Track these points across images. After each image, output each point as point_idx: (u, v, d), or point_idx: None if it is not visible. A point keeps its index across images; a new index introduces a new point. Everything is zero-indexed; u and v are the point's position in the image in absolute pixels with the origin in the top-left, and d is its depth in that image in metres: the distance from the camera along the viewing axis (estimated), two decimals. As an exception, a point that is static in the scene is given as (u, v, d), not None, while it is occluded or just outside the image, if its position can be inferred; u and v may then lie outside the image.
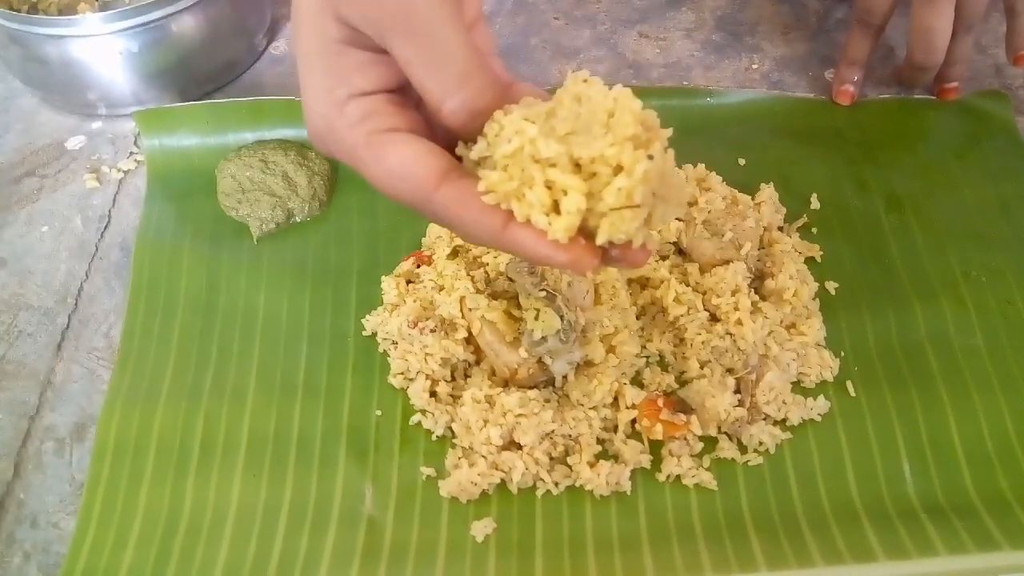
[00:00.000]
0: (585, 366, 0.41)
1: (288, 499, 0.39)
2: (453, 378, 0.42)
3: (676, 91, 0.55)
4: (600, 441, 0.40)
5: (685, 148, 0.50)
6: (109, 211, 0.51)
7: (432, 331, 0.41)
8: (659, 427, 0.39)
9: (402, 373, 0.42)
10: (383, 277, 0.44)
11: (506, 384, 0.40)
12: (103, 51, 0.53)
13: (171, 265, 0.47)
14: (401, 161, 0.28)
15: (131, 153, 0.54)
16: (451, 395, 0.41)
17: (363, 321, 0.44)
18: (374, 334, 0.44)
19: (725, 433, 0.40)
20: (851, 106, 0.54)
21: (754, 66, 0.58)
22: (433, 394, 0.41)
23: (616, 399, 0.41)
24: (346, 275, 0.47)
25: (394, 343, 0.43)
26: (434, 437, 0.40)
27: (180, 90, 0.56)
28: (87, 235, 0.50)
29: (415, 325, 0.41)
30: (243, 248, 0.48)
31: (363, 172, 0.30)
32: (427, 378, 0.41)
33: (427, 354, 0.41)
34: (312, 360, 0.43)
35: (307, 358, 0.43)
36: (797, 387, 0.42)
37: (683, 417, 0.40)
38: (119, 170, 0.53)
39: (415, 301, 0.42)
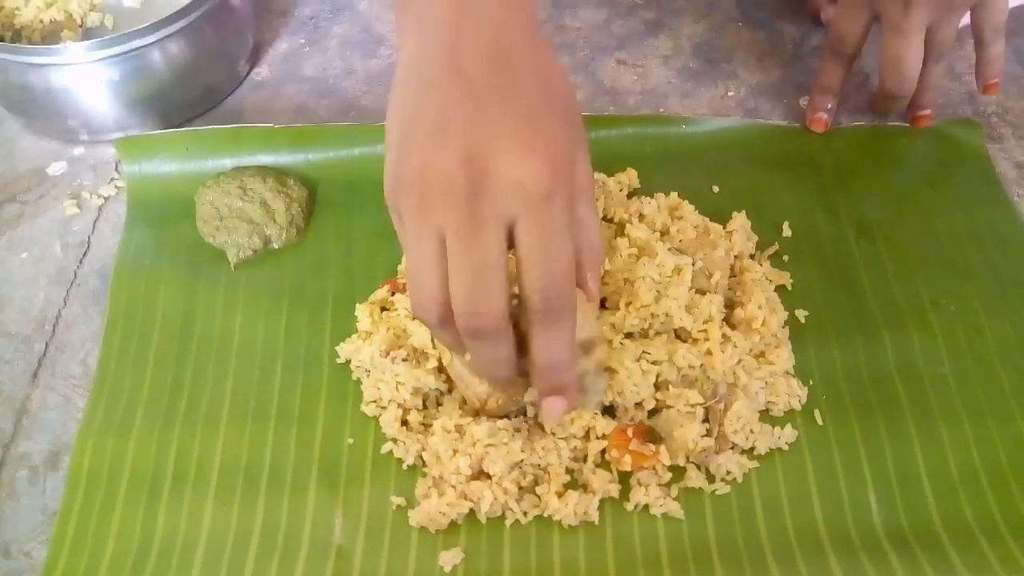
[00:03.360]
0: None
1: (258, 527, 0.39)
2: (425, 407, 0.42)
3: (652, 119, 0.56)
4: (569, 471, 0.40)
5: (661, 175, 0.52)
6: (88, 237, 0.52)
7: (404, 360, 0.41)
8: (628, 458, 0.40)
9: (375, 401, 0.42)
10: (357, 305, 0.45)
11: (477, 414, 0.41)
12: (85, 79, 0.53)
13: (148, 291, 0.48)
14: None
15: (112, 179, 0.55)
16: (423, 423, 0.42)
17: (337, 348, 0.45)
18: (348, 361, 0.44)
19: (693, 463, 0.41)
20: (824, 133, 0.55)
21: (730, 93, 0.59)
22: (405, 423, 0.42)
23: (587, 429, 0.41)
24: (322, 301, 0.47)
25: (367, 371, 0.43)
26: (405, 466, 0.41)
27: (162, 116, 0.57)
28: (66, 261, 0.50)
29: (387, 354, 0.42)
30: (220, 274, 0.48)
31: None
32: (399, 407, 0.41)
33: (399, 383, 0.41)
34: (286, 387, 0.44)
35: (281, 385, 0.44)
36: (765, 416, 0.42)
37: (652, 447, 0.40)
38: (99, 196, 0.54)
39: (388, 330, 0.43)
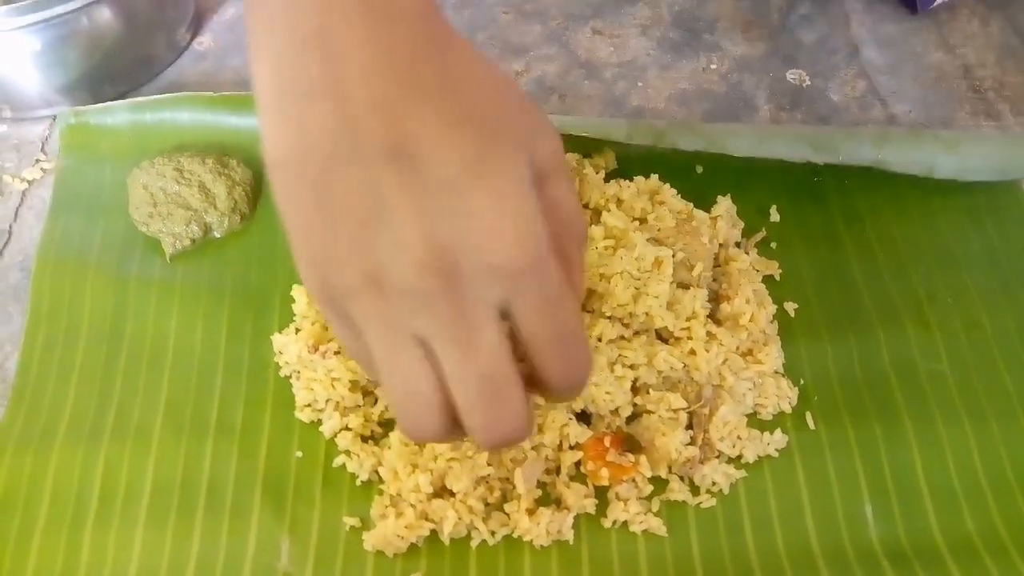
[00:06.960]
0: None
1: (195, 554, 0.35)
2: (366, 398, 0.38)
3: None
4: (541, 484, 0.37)
5: (640, 154, 0.47)
6: (10, 226, 0.47)
7: (336, 353, 0.37)
8: (605, 470, 0.36)
9: (309, 405, 0.38)
10: (295, 285, 0.40)
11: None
12: (4, 50, 0.48)
13: (74, 287, 0.43)
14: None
15: (37, 161, 0.49)
16: (378, 428, 0.38)
17: (272, 338, 0.40)
18: (280, 352, 0.40)
19: (676, 474, 0.37)
20: (813, 109, 0.51)
21: (712, 66, 0.55)
22: (359, 436, 0.38)
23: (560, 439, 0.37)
24: (268, 296, 0.43)
25: (297, 372, 0.39)
26: (359, 482, 0.37)
27: (92, 91, 0.52)
28: (-17, 253, 0.45)
29: (316, 349, 0.37)
30: (154, 268, 0.44)
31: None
32: (336, 408, 0.37)
33: (334, 379, 0.37)
34: (227, 394, 0.39)
35: (221, 392, 0.39)
36: (753, 420, 0.39)
37: (631, 458, 0.37)
38: (23, 180, 0.48)
39: (314, 323, 0.39)
